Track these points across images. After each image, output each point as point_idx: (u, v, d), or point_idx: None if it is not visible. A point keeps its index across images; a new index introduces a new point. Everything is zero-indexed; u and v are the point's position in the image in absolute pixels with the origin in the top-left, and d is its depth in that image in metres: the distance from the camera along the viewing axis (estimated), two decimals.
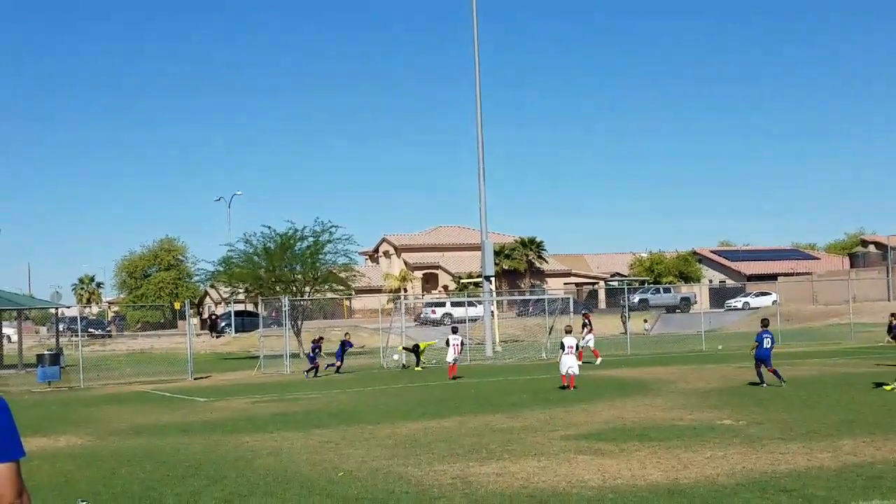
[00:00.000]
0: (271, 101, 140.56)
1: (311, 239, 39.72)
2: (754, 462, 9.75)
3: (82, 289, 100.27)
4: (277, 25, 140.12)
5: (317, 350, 27.97)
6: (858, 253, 71.48)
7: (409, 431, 13.47)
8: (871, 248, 71.53)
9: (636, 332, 41.77)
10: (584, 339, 27.38)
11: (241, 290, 43.78)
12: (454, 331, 26.74)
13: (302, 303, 39.34)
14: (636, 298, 63.14)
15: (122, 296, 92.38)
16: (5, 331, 65.65)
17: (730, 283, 75.44)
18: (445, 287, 77.70)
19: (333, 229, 39.90)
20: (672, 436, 11.89)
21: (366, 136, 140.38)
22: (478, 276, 51.50)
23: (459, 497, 8.57)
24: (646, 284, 71.69)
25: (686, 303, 66.20)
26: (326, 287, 42.01)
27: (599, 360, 27.14)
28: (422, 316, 58.79)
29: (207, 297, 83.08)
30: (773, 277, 68.51)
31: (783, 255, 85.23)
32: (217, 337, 56.13)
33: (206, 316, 75.22)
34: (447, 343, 25.99)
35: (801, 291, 59.51)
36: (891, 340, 21.06)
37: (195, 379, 28.45)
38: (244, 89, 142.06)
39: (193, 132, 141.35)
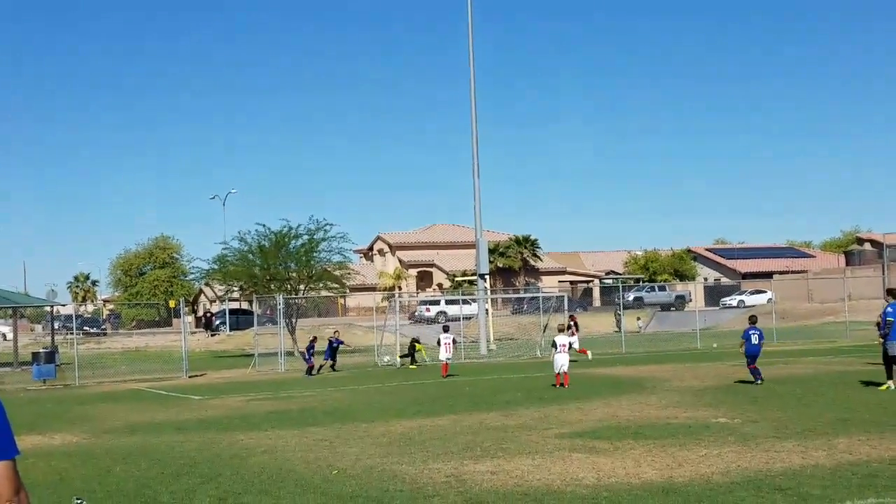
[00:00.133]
0: (266, 100, 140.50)
1: (305, 237, 39.68)
2: (749, 460, 9.76)
3: (77, 287, 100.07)
4: (275, 25, 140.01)
5: (311, 350, 27.98)
6: (854, 251, 71.62)
7: (404, 429, 13.46)
8: (867, 246, 71.68)
9: (629, 331, 41.78)
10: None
11: (235, 288, 43.73)
12: (445, 329, 26.73)
13: (296, 301, 39.31)
14: (631, 296, 63.21)
15: (117, 294, 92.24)
16: (0, 329, 65.60)
17: (725, 281, 75.54)
18: (440, 285, 77.69)
19: (328, 227, 39.89)
20: (667, 434, 11.90)
21: (361, 134, 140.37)
22: (472, 274, 51.49)
23: (454, 495, 8.57)
24: (641, 282, 71.77)
25: (681, 301, 66.28)
26: (321, 285, 42.01)
27: (590, 355, 26.84)
28: (416, 314, 58.75)
29: (202, 295, 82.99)
30: (768, 275, 68.68)
31: (778, 253, 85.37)
32: (212, 335, 56.05)
33: (201, 314, 75.15)
34: (438, 343, 25.99)
35: (797, 289, 59.62)
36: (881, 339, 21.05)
37: (190, 377, 28.42)
38: (239, 88, 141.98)
39: (189, 131, 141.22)
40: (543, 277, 78.61)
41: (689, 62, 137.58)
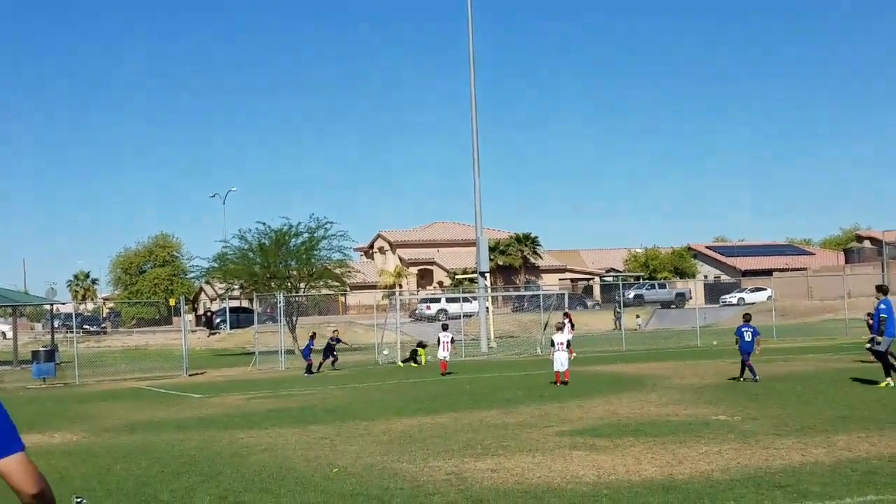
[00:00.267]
0: (266, 98, 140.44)
1: (305, 235, 39.69)
2: (749, 457, 9.76)
3: (77, 285, 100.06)
4: (275, 24, 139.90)
5: (311, 346, 27.97)
6: (853, 248, 71.67)
7: (404, 427, 13.46)
8: (866, 243, 71.70)
9: (628, 328, 41.78)
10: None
11: (235, 287, 43.75)
12: (444, 328, 26.73)
13: (297, 299, 39.32)
14: (631, 294, 63.22)
15: (117, 292, 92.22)
16: (0, 327, 65.61)
17: (725, 278, 75.57)
18: (440, 283, 77.71)
19: (328, 225, 39.91)
20: (667, 431, 11.90)
21: (361, 132, 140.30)
22: (473, 272, 51.50)
23: (454, 493, 8.57)
24: (641, 280, 71.78)
25: (681, 298, 66.30)
26: (321, 283, 42.01)
27: (574, 353, 26.85)
28: (417, 312, 58.77)
29: (202, 293, 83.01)
30: (768, 273, 68.65)
31: (778, 251, 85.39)
32: (213, 334, 56.09)
33: (201, 313, 75.16)
34: (438, 341, 26.01)
35: (796, 287, 59.60)
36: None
37: (190, 375, 28.42)
38: (239, 87, 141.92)
39: (189, 129, 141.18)
40: (543, 275, 78.61)
41: (689, 62, 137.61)
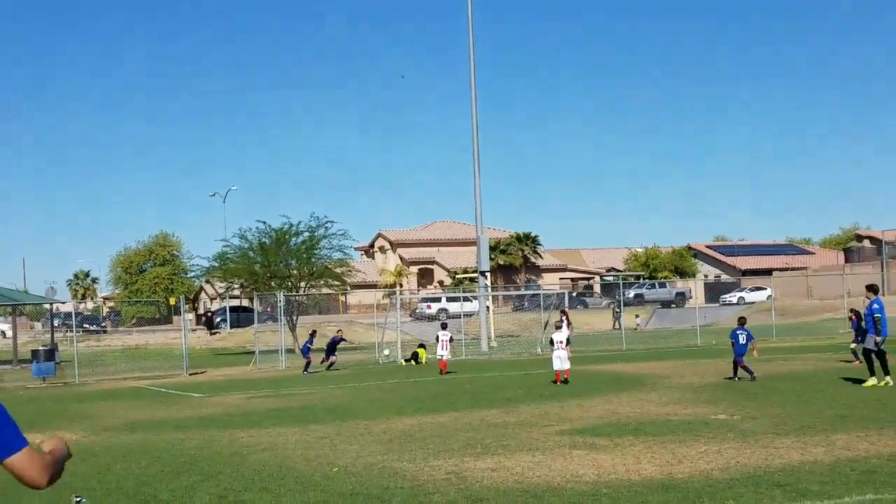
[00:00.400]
0: (267, 97, 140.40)
1: (306, 234, 39.71)
2: (748, 457, 9.77)
3: (77, 284, 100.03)
4: (275, 23, 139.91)
5: (310, 343, 27.97)
6: (853, 248, 71.71)
7: (404, 427, 13.47)
8: (866, 242, 71.74)
9: (628, 328, 41.78)
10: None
11: (236, 286, 43.76)
12: (443, 327, 26.75)
13: (297, 298, 39.33)
14: (631, 293, 63.22)
15: (117, 291, 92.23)
16: (0, 326, 65.61)
17: (725, 278, 75.58)
18: (441, 282, 77.71)
19: (329, 224, 39.93)
20: (666, 430, 11.91)
21: (362, 131, 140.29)
22: (473, 272, 51.50)
23: (454, 492, 8.58)
24: (641, 279, 71.78)
25: (681, 298, 66.32)
26: (322, 282, 42.01)
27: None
28: (417, 311, 58.77)
29: (203, 292, 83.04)
30: (768, 272, 68.64)
31: (778, 250, 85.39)
32: (213, 334, 56.08)
33: (201, 312, 75.17)
34: (437, 339, 26.04)
35: (796, 286, 59.63)
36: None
37: (190, 374, 28.43)
38: (239, 86, 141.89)
39: (189, 128, 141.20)
40: (544, 274, 78.62)
41: (689, 61, 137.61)
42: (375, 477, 9.52)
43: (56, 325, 48.72)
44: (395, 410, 15.69)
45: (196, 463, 10.96)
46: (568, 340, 19.91)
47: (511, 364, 27.51)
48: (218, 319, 60.25)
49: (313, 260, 40.10)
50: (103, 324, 76.36)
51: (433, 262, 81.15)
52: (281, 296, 32.86)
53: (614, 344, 34.36)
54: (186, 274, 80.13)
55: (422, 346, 30.30)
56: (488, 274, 38.46)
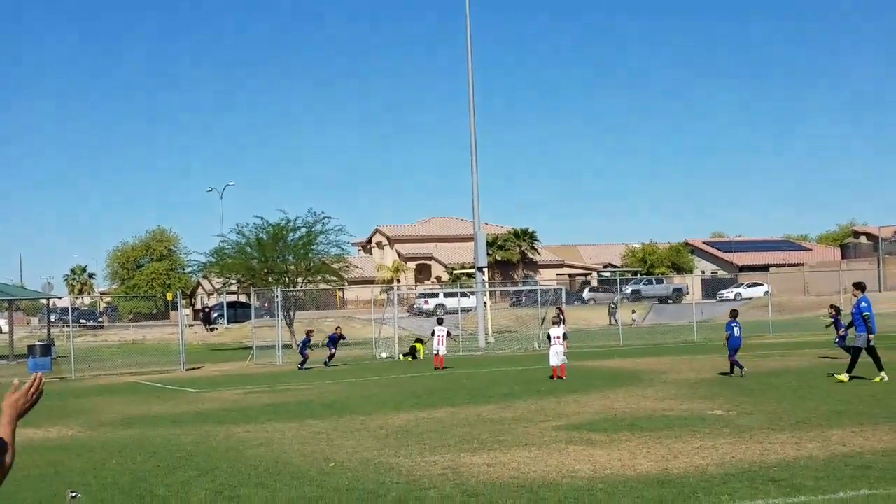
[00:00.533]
0: (264, 92, 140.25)
1: (303, 230, 39.63)
2: (744, 452, 9.80)
3: (74, 279, 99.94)
4: (273, 19, 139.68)
5: (307, 342, 27.95)
6: (850, 244, 71.77)
7: (401, 422, 13.48)
8: (863, 239, 71.81)
9: (624, 324, 41.81)
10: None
11: (233, 281, 43.71)
12: (440, 322, 26.76)
13: (294, 294, 39.30)
14: (629, 289, 63.30)
15: (114, 286, 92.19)
16: None
17: (722, 274, 75.65)
18: (438, 278, 77.71)
19: (326, 220, 39.83)
20: (663, 426, 11.93)
21: (360, 126, 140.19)
22: (471, 267, 51.50)
23: (450, 487, 8.59)
24: (638, 275, 71.84)
25: (678, 294, 66.38)
26: (319, 278, 41.96)
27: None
28: (415, 307, 58.79)
29: (200, 287, 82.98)
30: (764, 268, 68.70)
31: (775, 247, 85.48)
32: (211, 330, 56.05)
33: (198, 307, 75.13)
34: (432, 333, 26.06)
35: (793, 282, 59.71)
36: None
37: (187, 370, 28.42)
38: (237, 81, 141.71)
39: (187, 123, 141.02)
40: (541, 270, 78.68)
41: (687, 58, 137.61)
42: (371, 472, 9.53)
43: (53, 320, 48.67)
44: (391, 406, 15.70)
45: (192, 458, 10.96)
46: (565, 336, 19.92)
47: (508, 360, 27.54)
48: (215, 315, 60.21)
49: (310, 255, 40.03)
50: (100, 319, 76.29)
51: (430, 258, 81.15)
52: (278, 291, 32.82)
53: (611, 340, 34.39)
54: (183, 269, 80.00)
55: (419, 340, 30.29)
56: (485, 270, 38.44)
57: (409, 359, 28.91)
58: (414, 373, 23.67)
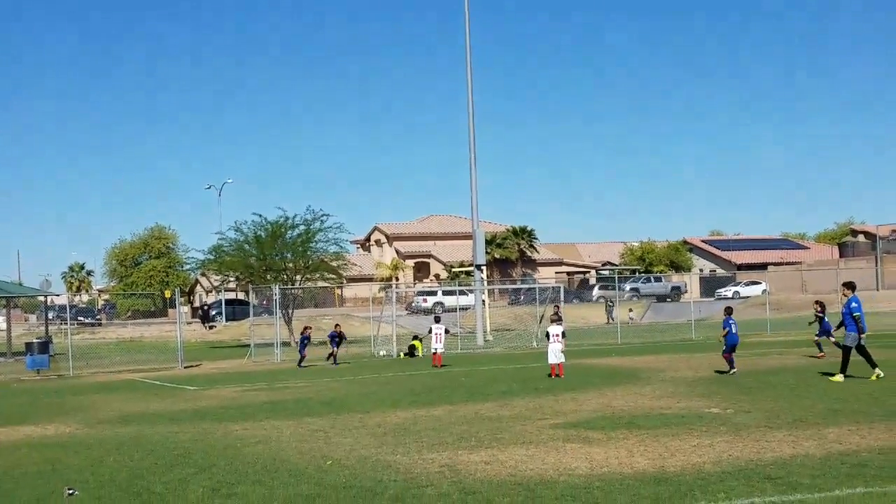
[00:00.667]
0: (263, 90, 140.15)
1: (302, 227, 39.64)
2: (740, 450, 9.81)
3: (72, 277, 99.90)
4: (272, 16, 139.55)
5: (306, 340, 27.96)
6: (848, 242, 71.83)
7: (399, 420, 13.49)
8: (861, 237, 71.90)
9: (622, 322, 41.85)
10: None
11: (231, 279, 43.70)
12: (437, 320, 26.77)
13: (293, 291, 39.30)
14: (627, 287, 63.33)
15: (112, 284, 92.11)
16: None
17: (720, 272, 75.70)
18: (437, 276, 77.73)
19: (325, 218, 39.86)
20: (660, 424, 11.95)
21: (359, 124, 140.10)
22: (469, 265, 51.54)
23: (447, 485, 8.60)
24: (637, 273, 71.87)
25: (676, 292, 66.42)
26: (317, 275, 41.97)
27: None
28: (413, 304, 58.80)
29: (198, 285, 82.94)
30: (763, 267, 68.79)
31: (773, 245, 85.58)
32: (210, 328, 56.01)
33: (197, 305, 75.07)
34: (430, 332, 26.06)
35: (791, 280, 59.78)
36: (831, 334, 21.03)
37: (185, 367, 28.42)
38: (236, 79, 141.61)
39: (185, 120, 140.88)
40: (540, 268, 78.73)
41: (685, 57, 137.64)
42: (369, 470, 9.53)
43: (50, 317, 48.61)
44: (390, 404, 15.71)
45: (190, 456, 10.97)
46: (563, 334, 19.93)
47: (506, 357, 27.55)
48: (213, 312, 60.19)
49: (309, 253, 40.05)
50: (98, 316, 76.27)
51: (429, 256, 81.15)
52: (276, 289, 32.82)
53: (609, 338, 34.42)
54: (182, 267, 79.97)
55: (416, 337, 30.28)
56: (484, 268, 38.45)
57: (408, 357, 28.90)
58: (412, 371, 23.67)
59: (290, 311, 38.64)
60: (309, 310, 52.39)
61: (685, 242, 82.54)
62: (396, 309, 34.99)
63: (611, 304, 50.64)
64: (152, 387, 22.17)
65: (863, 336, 16.23)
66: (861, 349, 16.31)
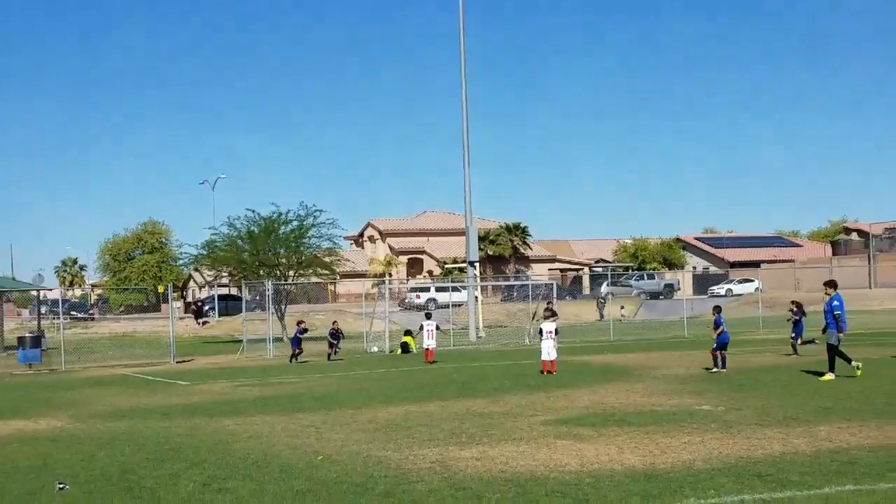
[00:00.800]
0: (258, 86, 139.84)
1: (295, 223, 39.63)
2: (731, 447, 9.84)
3: (65, 271, 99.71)
4: (267, 13, 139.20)
5: (301, 334, 27.92)
6: (841, 241, 72.05)
7: (390, 416, 13.50)
8: (854, 235, 72.12)
9: (613, 319, 41.89)
10: None
11: (224, 274, 43.67)
12: (428, 316, 26.77)
13: (286, 287, 39.26)
14: (633, 283, 63.44)
15: (105, 279, 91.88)
16: None
17: (713, 269, 75.86)
18: (430, 272, 77.73)
19: (318, 213, 39.84)
20: (651, 421, 11.97)
21: (353, 120, 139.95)
22: (462, 262, 51.50)
23: (438, 481, 8.61)
24: (630, 271, 71.97)
25: (669, 289, 66.54)
26: (311, 271, 41.94)
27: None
28: (406, 301, 58.79)
29: (191, 280, 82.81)
30: (756, 264, 68.97)
31: (766, 243, 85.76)
32: (203, 324, 55.94)
33: (190, 300, 74.94)
34: (421, 328, 26.07)
35: (784, 278, 59.93)
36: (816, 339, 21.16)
37: (177, 362, 28.38)
38: (230, 75, 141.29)
39: (179, 115, 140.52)
40: (533, 265, 78.76)
41: (679, 55, 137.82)
42: (360, 465, 9.54)
43: (43, 312, 48.53)
44: (381, 399, 15.71)
45: (181, 450, 10.96)
46: (556, 330, 19.95)
47: (499, 354, 27.57)
48: (206, 308, 60.11)
49: (302, 249, 40.02)
50: (91, 311, 76.09)
51: (422, 252, 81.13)
52: (269, 284, 32.79)
53: (602, 335, 34.46)
54: (175, 262, 79.83)
55: (408, 332, 30.22)
56: (477, 264, 38.47)
57: (403, 353, 28.86)
58: (404, 367, 23.68)
59: (282, 307, 38.61)
60: (302, 305, 52.30)
61: (678, 240, 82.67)
62: (389, 305, 34.97)
63: (602, 300, 50.72)
64: (144, 381, 22.14)
65: (840, 335, 16.29)
66: (832, 349, 16.33)
